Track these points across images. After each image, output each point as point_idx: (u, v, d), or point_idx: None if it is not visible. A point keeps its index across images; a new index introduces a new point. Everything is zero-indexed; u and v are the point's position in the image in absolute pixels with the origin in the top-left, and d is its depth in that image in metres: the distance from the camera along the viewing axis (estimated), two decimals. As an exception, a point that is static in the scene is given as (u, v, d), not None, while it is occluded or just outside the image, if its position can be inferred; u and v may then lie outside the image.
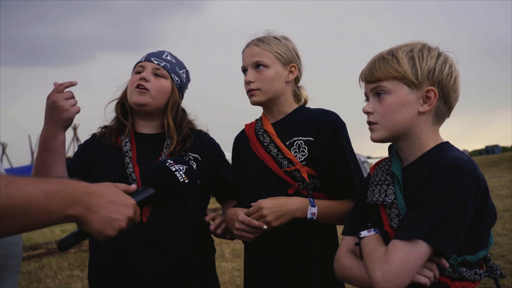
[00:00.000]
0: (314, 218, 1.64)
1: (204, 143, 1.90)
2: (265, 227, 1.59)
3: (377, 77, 1.31)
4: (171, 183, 1.27)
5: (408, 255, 1.15)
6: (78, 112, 1.63)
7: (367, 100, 1.38)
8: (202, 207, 1.88)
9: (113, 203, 1.03)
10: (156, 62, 1.83)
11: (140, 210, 1.13)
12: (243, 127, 1.93)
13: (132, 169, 1.73)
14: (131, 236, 1.64)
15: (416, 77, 1.28)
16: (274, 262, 1.70)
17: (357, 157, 1.81)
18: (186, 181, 1.28)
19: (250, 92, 1.78)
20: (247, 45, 1.82)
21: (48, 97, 1.60)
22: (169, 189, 1.26)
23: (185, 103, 1.96)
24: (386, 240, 1.28)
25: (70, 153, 19.36)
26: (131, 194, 1.13)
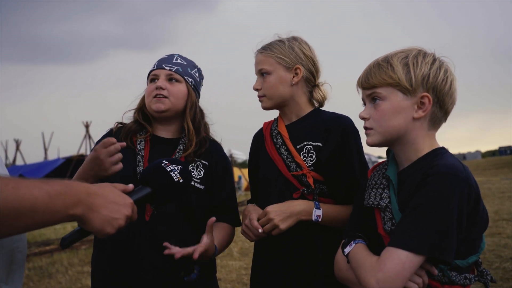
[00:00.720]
0: (320, 220, 1.66)
1: (215, 152, 1.92)
2: (260, 230, 1.63)
3: (372, 83, 1.33)
4: (167, 183, 1.32)
5: (403, 263, 1.15)
6: (118, 170, 1.61)
7: (364, 105, 1.40)
8: (203, 207, 1.90)
9: (113, 203, 1.08)
10: (168, 68, 1.86)
11: (137, 209, 1.18)
12: (262, 125, 1.95)
13: (142, 168, 1.76)
14: (133, 234, 1.69)
15: (410, 84, 1.29)
16: (281, 263, 1.73)
17: (368, 157, 1.81)
18: (181, 180, 1.34)
19: (259, 99, 1.83)
20: (255, 53, 1.85)
21: (94, 150, 1.61)
22: (164, 188, 1.31)
23: (202, 103, 1.97)
24: (379, 242, 1.30)
25: (81, 150, 19.53)
26: (129, 193, 1.19)
